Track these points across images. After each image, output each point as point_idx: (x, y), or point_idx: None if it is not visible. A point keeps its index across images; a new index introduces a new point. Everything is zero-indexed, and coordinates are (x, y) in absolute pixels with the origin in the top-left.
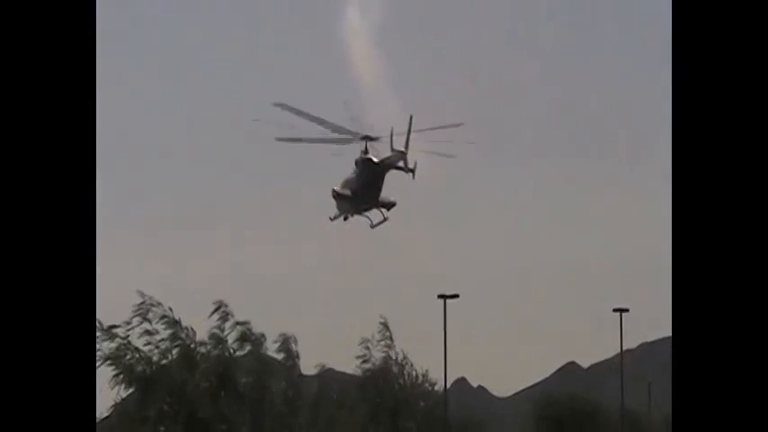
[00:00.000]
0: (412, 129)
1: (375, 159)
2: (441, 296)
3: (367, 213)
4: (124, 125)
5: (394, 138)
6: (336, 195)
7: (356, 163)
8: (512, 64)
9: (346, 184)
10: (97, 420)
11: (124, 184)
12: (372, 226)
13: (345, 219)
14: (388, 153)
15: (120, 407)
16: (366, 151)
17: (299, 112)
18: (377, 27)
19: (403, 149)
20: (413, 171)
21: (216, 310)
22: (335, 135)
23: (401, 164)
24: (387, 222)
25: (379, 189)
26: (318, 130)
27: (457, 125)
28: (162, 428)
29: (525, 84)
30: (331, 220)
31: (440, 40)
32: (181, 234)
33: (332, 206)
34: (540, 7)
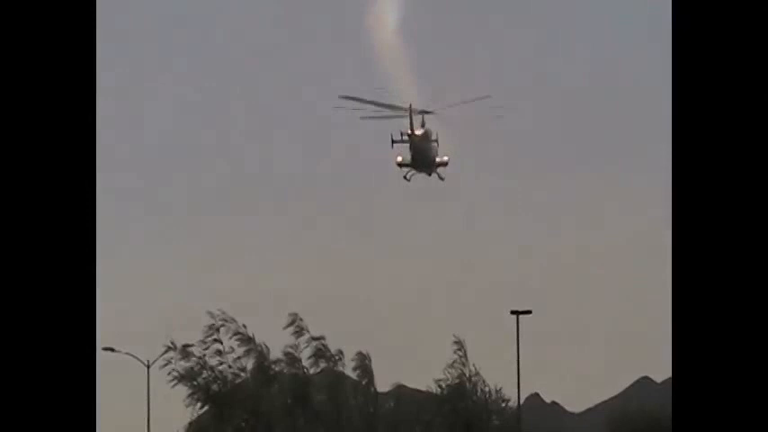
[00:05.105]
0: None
1: (418, 132)
2: (513, 312)
3: (437, 172)
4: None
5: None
6: (400, 165)
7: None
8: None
9: (407, 153)
10: None
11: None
12: (442, 178)
13: (430, 174)
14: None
15: (195, 425)
16: (422, 124)
17: (360, 100)
18: (403, 16)
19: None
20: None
21: (290, 324)
22: (393, 111)
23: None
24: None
25: (429, 153)
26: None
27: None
28: None
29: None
30: (407, 180)
31: (451, 37)
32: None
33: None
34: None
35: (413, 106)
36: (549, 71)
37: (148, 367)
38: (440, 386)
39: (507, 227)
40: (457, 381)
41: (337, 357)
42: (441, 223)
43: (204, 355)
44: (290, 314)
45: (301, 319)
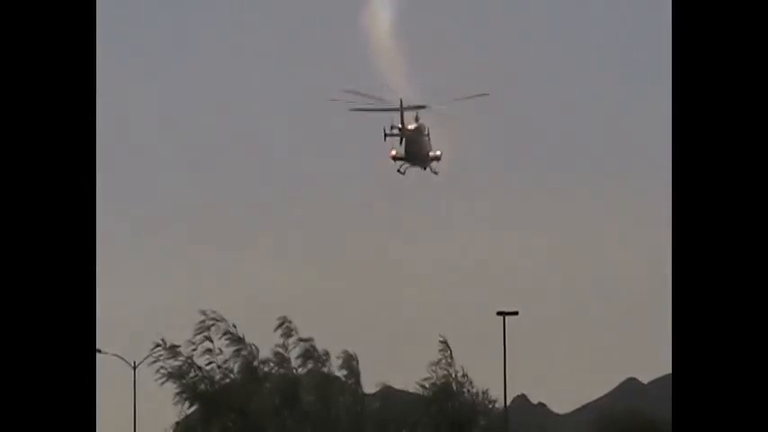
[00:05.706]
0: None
1: (410, 127)
2: (500, 313)
3: (430, 166)
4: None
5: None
6: (394, 158)
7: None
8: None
9: (400, 147)
10: None
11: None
12: (435, 172)
13: (424, 168)
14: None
15: (183, 424)
16: (416, 119)
17: (363, 95)
18: (397, 14)
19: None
20: (428, 135)
21: (279, 326)
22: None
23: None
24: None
25: (422, 147)
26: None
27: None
28: None
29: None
30: (401, 173)
31: (448, 36)
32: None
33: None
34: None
35: (409, 102)
36: (547, 70)
37: (135, 368)
38: (424, 387)
39: (495, 226)
40: (443, 381)
41: (324, 358)
42: (429, 221)
43: (193, 355)
44: (279, 318)
45: (290, 322)
